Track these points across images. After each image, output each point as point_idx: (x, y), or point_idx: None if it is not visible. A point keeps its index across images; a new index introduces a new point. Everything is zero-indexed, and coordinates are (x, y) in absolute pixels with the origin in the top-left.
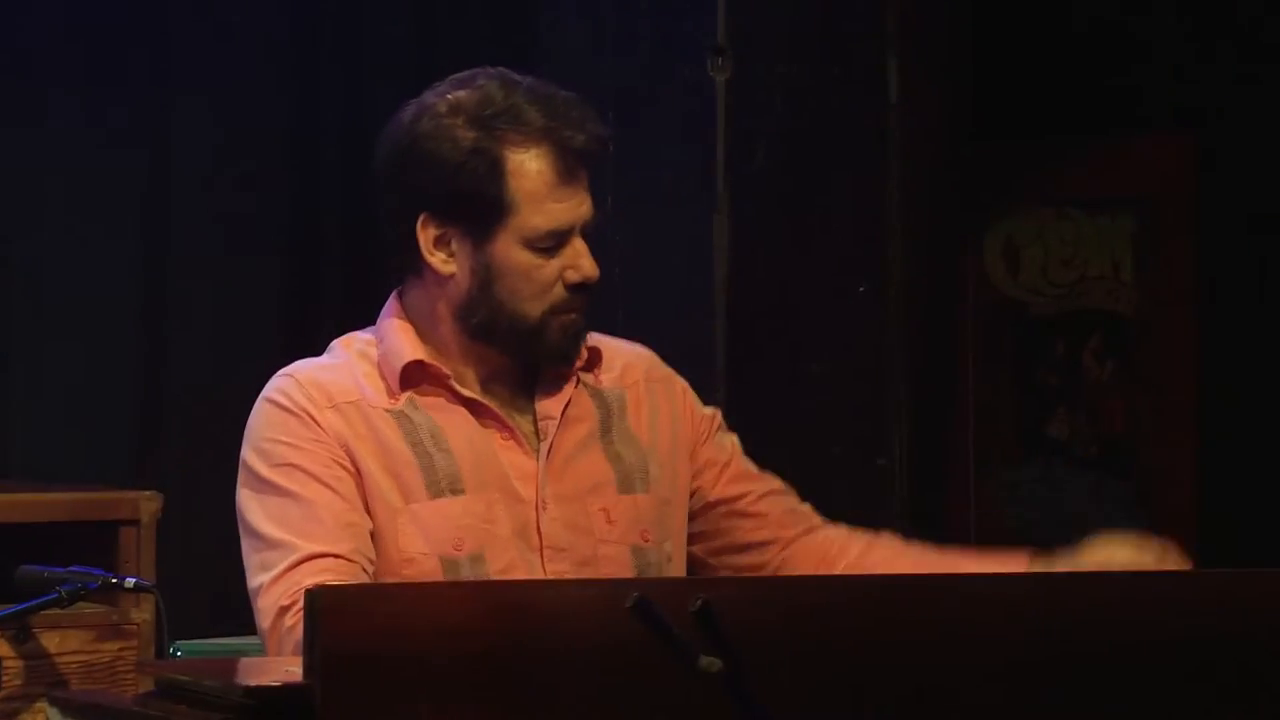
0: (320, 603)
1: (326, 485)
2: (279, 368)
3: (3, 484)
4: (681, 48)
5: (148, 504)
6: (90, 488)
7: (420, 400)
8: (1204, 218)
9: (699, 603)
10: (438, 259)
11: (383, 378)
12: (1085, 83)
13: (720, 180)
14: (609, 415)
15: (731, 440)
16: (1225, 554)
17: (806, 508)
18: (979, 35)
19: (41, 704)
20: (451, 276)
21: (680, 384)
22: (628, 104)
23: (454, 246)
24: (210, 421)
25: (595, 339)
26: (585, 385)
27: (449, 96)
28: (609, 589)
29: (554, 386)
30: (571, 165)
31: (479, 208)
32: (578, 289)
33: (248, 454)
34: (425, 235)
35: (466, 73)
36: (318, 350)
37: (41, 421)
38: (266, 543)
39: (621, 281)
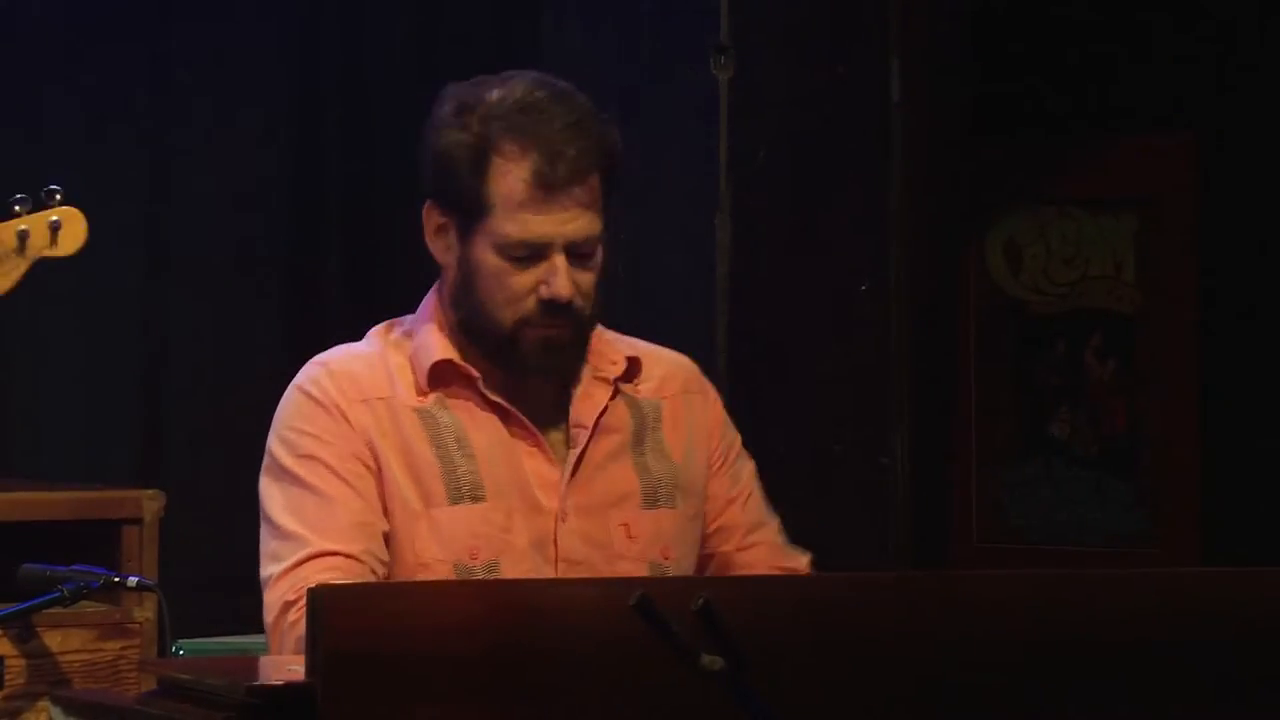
0: (323, 602)
1: (346, 482)
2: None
3: (5, 483)
4: (684, 46)
5: (150, 503)
6: (93, 487)
7: (449, 400)
8: (1204, 217)
9: (701, 602)
10: (438, 247)
11: (414, 372)
12: (1085, 82)
13: (722, 179)
14: (643, 426)
15: (749, 471)
16: (1226, 553)
17: (802, 562)
18: (980, 34)
19: (44, 703)
20: (447, 267)
21: (713, 396)
22: (630, 102)
23: (450, 238)
24: (211, 421)
25: (635, 347)
26: (623, 395)
27: (477, 91)
28: (612, 588)
29: (590, 394)
30: (561, 180)
31: (463, 203)
32: (549, 306)
33: (273, 441)
34: (430, 222)
35: (510, 71)
36: (317, 350)
37: (42, 421)
38: (280, 533)
39: (624, 280)
